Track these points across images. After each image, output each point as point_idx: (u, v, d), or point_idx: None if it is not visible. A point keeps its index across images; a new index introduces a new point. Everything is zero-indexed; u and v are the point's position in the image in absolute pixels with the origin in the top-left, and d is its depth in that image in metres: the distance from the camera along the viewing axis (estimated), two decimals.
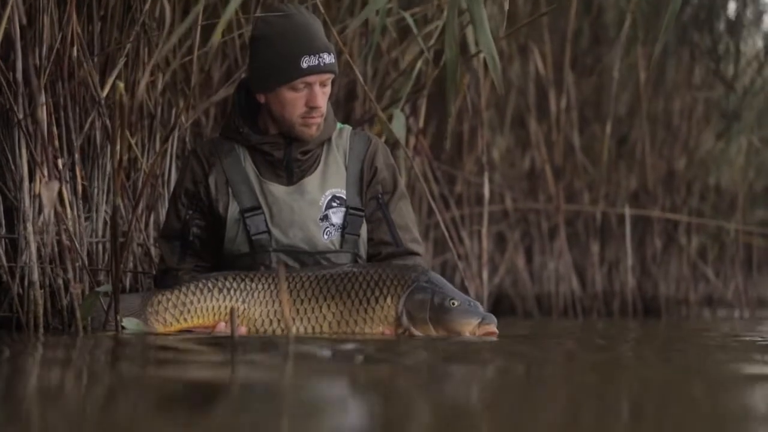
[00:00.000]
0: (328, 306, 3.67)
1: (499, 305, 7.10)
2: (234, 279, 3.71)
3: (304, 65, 3.67)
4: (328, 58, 3.71)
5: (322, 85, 3.72)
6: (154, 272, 4.26)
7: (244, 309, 3.71)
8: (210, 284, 3.72)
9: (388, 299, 3.66)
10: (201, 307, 3.72)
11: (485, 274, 5.64)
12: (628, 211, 7.49)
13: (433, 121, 6.43)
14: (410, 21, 4.83)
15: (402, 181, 3.95)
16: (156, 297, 3.75)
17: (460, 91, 4.60)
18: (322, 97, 3.73)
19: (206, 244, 3.86)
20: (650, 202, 7.78)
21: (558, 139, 7.32)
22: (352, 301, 3.67)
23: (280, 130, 3.79)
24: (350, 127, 3.93)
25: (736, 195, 8.17)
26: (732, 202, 8.20)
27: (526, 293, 7.33)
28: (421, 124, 5.58)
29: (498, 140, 7.25)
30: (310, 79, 3.69)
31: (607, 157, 7.50)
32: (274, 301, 3.68)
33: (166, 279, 3.88)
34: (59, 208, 3.92)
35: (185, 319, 3.74)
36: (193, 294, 3.73)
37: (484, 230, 5.54)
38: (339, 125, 3.90)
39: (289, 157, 3.79)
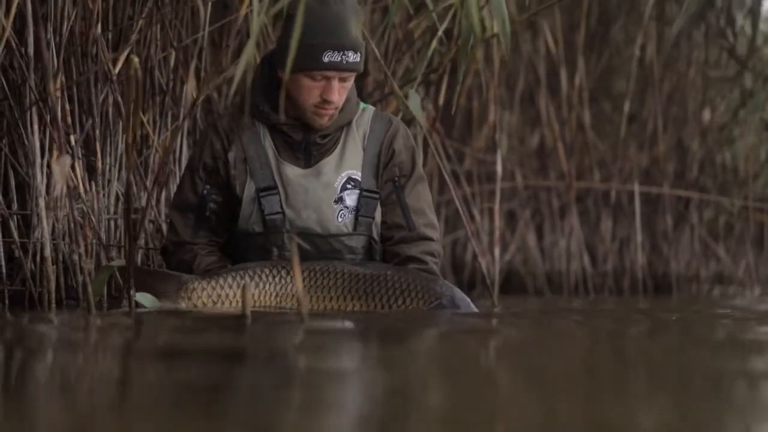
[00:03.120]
0: (353, 305, 3.68)
1: (510, 283, 7.09)
2: (270, 271, 3.70)
3: (326, 59, 3.61)
4: (353, 57, 3.64)
5: (342, 80, 3.67)
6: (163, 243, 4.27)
7: (278, 302, 3.70)
8: (247, 276, 3.70)
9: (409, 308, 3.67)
10: (236, 299, 3.70)
11: (497, 252, 5.63)
12: (637, 188, 7.47)
13: (445, 99, 6.41)
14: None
15: (420, 164, 3.90)
16: (192, 284, 3.73)
17: (472, 64, 4.56)
18: (340, 91, 3.67)
19: (221, 220, 3.82)
20: (661, 179, 7.75)
21: (570, 116, 7.30)
22: (375, 304, 3.68)
23: (294, 113, 3.75)
24: (373, 108, 3.89)
25: (747, 173, 8.14)
26: (744, 180, 8.17)
27: (536, 271, 7.32)
28: (439, 102, 5.53)
29: (507, 117, 7.22)
30: (329, 74, 3.64)
31: (621, 134, 7.48)
32: (309, 296, 3.66)
33: (179, 252, 3.84)
34: (71, 184, 3.92)
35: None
36: (230, 286, 3.71)
37: (497, 207, 5.53)
38: (362, 105, 3.85)
39: (308, 140, 3.75)
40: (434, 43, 4.76)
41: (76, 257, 3.96)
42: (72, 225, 3.92)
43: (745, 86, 7.66)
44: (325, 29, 3.61)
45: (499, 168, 5.49)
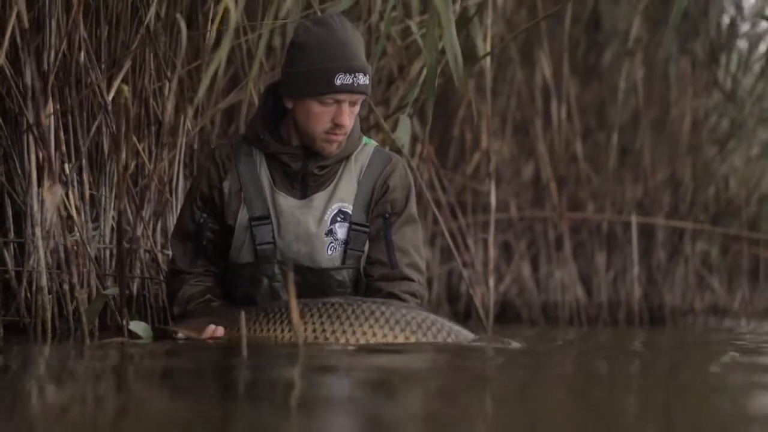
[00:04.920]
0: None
1: (505, 313, 7.10)
2: (337, 308, 3.65)
3: (338, 82, 3.61)
4: (363, 79, 3.64)
5: (352, 104, 3.67)
6: (162, 274, 4.28)
7: (327, 336, 3.65)
8: (305, 309, 3.64)
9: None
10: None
11: (491, 283, 5.63)
12: (634, 219, 7.48)
13: (438, 128, 6.44)
14: (414, 28, 4.84)
15: (414, 206, 3.87)
16: (262, 313, 3.69)
17: (464, 94, 4.60)
18: (350, 116, 3.67)
19: (219, 249, 3.84)
20: (655, 211, 7.77)
21: (560, 147, 7.31)
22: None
23: (302, 142, 3.74)
24: (376, 144, 3.88)
25: (740, 204, 8.15)
26: (737, 211, 8.19)
27: (531, 301, 7.32)
28: (426, 132, 5.56)
29: (501, 148, 7.23)
30: (341, 96, 3.63)
31: (612, 166, 7.51)
32: (362, 332, 3.63)
33: (173, 282, 3.88)
34: (63, 213, 3.93)
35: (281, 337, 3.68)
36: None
37: (491, 238, 5.53)
38: (365, 140, 3.85)
39: (306, 170, 3.75)
40: (425, 71, 4.79)
41: (66, 287, 3.97)
42: (65, 254, 3.93)
43: (733, 116, 7.68)
44: (334, 54, 3.62)
45: (493, 199, 5.50)
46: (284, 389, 2.51)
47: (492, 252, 5.57)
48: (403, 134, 4.65)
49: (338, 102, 3.64)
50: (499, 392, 2.61)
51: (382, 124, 4.55)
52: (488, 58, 5.25)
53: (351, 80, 3.62)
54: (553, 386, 2.77)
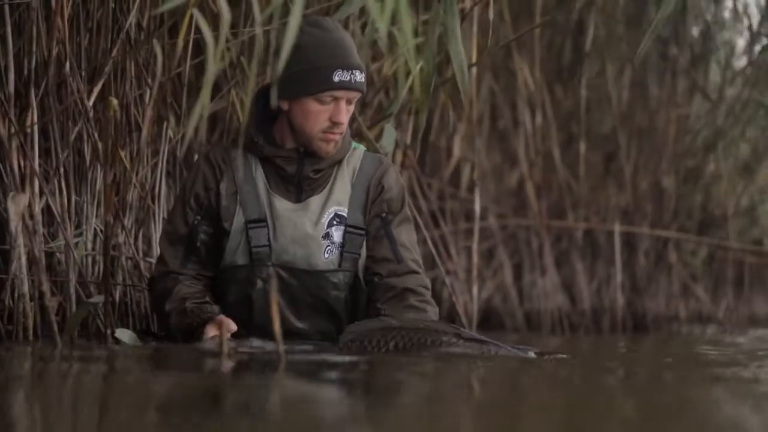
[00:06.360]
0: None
1: (488, 320, 7.11)
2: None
3: (336, 79, 3.64)
4: (360, 77, 3.67)
5: (348, 102, 3.69)
6: (145, 282, 4.28)
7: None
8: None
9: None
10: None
11: (475, 290, 5.65)
12: (617, 228, 7.51)
13: (419, 135, 6.44)
14: (397, 35, 4.84)
15: (407, 205, 3.90)
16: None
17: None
18: (346, 114, 3.70)
19: (211, 252, 3.81)
20: (639, 219, 7.79)
21: (538, 155, 7.32)
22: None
23: (297, 143, 3.75)
24: (364, 149, 3.91)
25: (725, 212, 8.17)
26: (722, 219, 8.20)
27: (514, 309, 7.33)
28: (408, 140, 5.58)
29: (483, 155, 7.24)
30: (339, 93, 3.66)
31: (594, 174, 7.52)
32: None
33: (165, 281, 3.82)
34: (29, 222, 3.93)
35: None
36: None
37: (475, 246, 5.55)
38: (354, 145, 3.88)
39: (301, 174, 3.76)
40: (411, 79, 4.80)
41: (36, 293, 3.97)
42: (39, 262, 3.92)
43: (717, 124, 7.70)
44: (331, 52, 3.65)
45: (477, 207, 5.52)
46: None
47: (475, 260, 5.58)
48: (388, 143, 4.66)
49: (336, 100, 3.66)
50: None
51: (365, 132, 4.57)
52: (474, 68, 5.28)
53: (349, 77, 3.65)
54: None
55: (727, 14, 8.03)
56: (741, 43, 8.11)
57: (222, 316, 3.66)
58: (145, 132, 4.26)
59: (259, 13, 3.34)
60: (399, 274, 3.79)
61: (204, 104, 3.28)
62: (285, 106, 3.72)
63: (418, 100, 4.32)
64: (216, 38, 3.32)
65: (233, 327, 3.62)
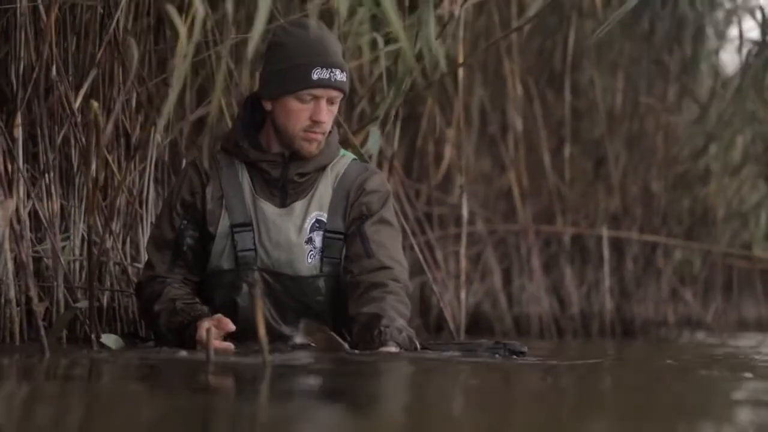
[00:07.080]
0: None
1: (477, 325, 7.10)
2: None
3: (315, 77, 3.65)
4: (340, 76, 3.68)
5: (330, 102, 3.69)
6: (132, 287, 4.27)
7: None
8: None
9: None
10: None
11: (463, 296, 5.64)
12: (606, 233, 7.51)
13: (405, 140, 6.45)
14: (380, 41, 4.84)
15: (391, 213, 3.86)
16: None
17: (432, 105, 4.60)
18: (328, 114, 3.70)
19: (197, 257, 3.82)
20: (628, 224, 7.80)
21: (524, 160, 7.31)
22: None
23: (282, 146, 3.75)
24: (353, 156, 3.91)
25: (714, 216, 8.18)
26: (712, 224, 8.21)
27: (503, 314, 7.32)
28: (395, 146, 5.57)
29: (470, 161, 7.23)
30: (318, 92, 3.67)
31: (583, 179, 7.53)
32: None
33: (153, 285, 3.81)
34: (16, 227, 3.92)
35: None
36: None
37: (462, 251, 5.54)
38: (342, 152, 3.88)
39: (286, 178, 3.77)
40: (407, 82, 4.80)
41: (23, 298, 3.96)
42: (26, 267, 3.92)
43: (707, 130, 7.71)
44: (311, 50, 3.66)
45: (464, 212, 5.51)
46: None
47: (463, 265, 5.58)
48: (372, 145, 4.66)
49: (316, 98, 3.67)
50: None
51: (351, 138, 4.57)
52: (460, 70, 5.29)
53: (328, 75, 3.65)
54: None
55: (720, 17, 8.04)
56: (731, 49, 8.13)
57: (220, 315, 3.63)
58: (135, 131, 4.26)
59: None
60: (370, 270, 3.74)
61: (173, 101, 3.28)
62: (268, 106, 3.74)
63: (395, 93, 4.32)
64: (190, 31, 3.32)
65: (231, 327, 3.59)
